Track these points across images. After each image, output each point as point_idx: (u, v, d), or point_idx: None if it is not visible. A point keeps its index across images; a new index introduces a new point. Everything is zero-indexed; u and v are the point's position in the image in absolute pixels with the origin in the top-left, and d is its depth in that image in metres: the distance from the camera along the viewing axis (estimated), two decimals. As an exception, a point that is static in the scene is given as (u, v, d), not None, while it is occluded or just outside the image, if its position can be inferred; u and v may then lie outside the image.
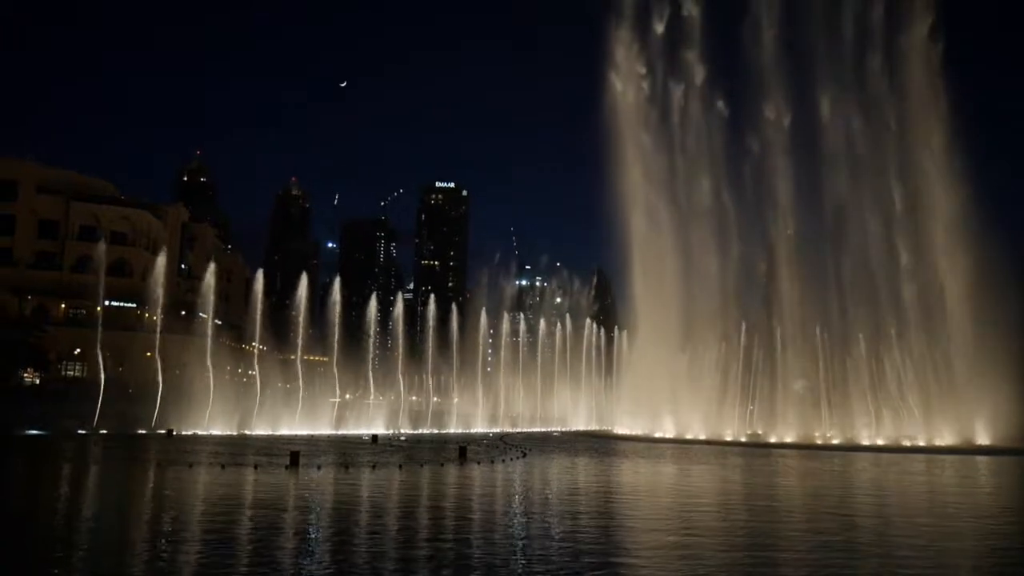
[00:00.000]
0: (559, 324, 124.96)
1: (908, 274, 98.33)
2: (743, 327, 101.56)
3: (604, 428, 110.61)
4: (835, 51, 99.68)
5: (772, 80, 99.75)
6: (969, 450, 79.68)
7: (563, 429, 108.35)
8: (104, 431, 64.18)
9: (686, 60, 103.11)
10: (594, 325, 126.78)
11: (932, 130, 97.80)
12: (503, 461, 49.82)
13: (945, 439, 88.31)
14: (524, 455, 55.36)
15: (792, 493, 39.99)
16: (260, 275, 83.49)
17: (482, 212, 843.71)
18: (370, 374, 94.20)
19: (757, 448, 77.68)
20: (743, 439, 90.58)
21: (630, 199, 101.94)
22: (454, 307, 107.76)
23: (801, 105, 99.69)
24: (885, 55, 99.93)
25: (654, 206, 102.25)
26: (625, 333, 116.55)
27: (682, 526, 26.68)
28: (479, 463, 47.92)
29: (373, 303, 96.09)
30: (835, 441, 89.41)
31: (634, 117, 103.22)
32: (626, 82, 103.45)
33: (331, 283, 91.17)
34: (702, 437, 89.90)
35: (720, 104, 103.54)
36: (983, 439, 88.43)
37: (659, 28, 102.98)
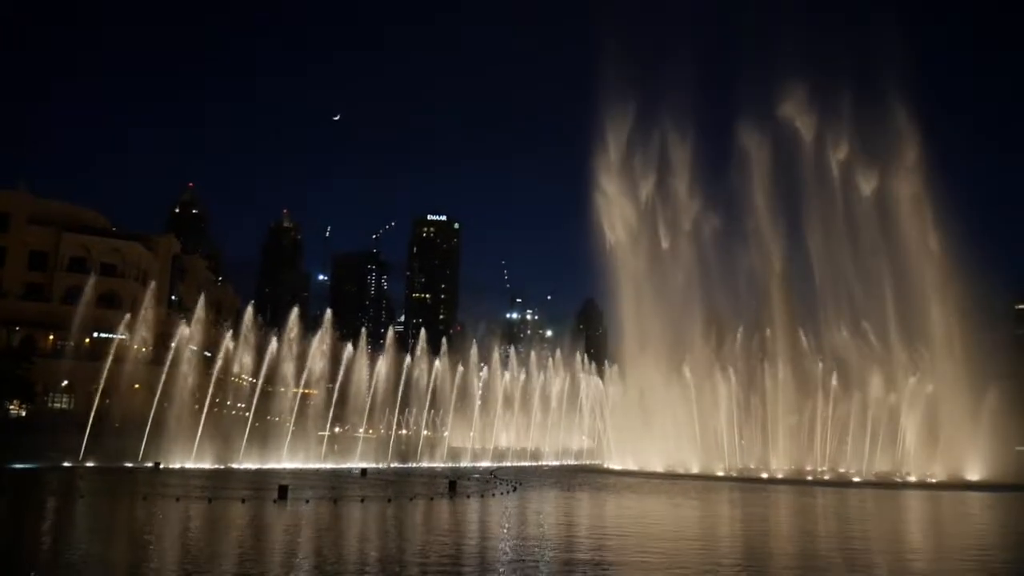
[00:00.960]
0: (550, 358, 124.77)
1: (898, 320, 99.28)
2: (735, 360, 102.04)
3: (595, 462, 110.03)
4: (823, 190, 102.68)
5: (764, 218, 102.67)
6: (960, 486, 79.59)
7: (554, 463, 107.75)
8: (91, 464, 63.51)
9: (676, 191, 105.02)
10: (584, 358, 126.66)
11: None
12: (493, 495, 49.50)
13: (937, 475, 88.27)
14: (514, 489, 55.04)
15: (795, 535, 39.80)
16: (250, 309, 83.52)
17: (473, 244, 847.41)
18: (359, 408, 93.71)
19: (748, 483, 77.35)
20: (734, 474, 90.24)
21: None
22: (444, 341, 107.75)
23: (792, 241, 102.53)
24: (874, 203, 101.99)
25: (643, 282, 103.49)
26: (615, 367, 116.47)
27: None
28: (468, 497, 47.60)
29: (363, 337, 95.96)
30: (826, 476, 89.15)
31: (626, 248, 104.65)
32: (615, 224, 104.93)
33: (322, 316, 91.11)
34: (694, 471, 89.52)
35: (712, 224, 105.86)
36: (973, 475, 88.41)
37: (645, 190, 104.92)
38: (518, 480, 65.02)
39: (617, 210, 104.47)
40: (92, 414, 69.06)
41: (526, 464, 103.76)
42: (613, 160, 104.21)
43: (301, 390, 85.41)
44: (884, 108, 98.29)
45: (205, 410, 73.85)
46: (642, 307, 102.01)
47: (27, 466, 59.48)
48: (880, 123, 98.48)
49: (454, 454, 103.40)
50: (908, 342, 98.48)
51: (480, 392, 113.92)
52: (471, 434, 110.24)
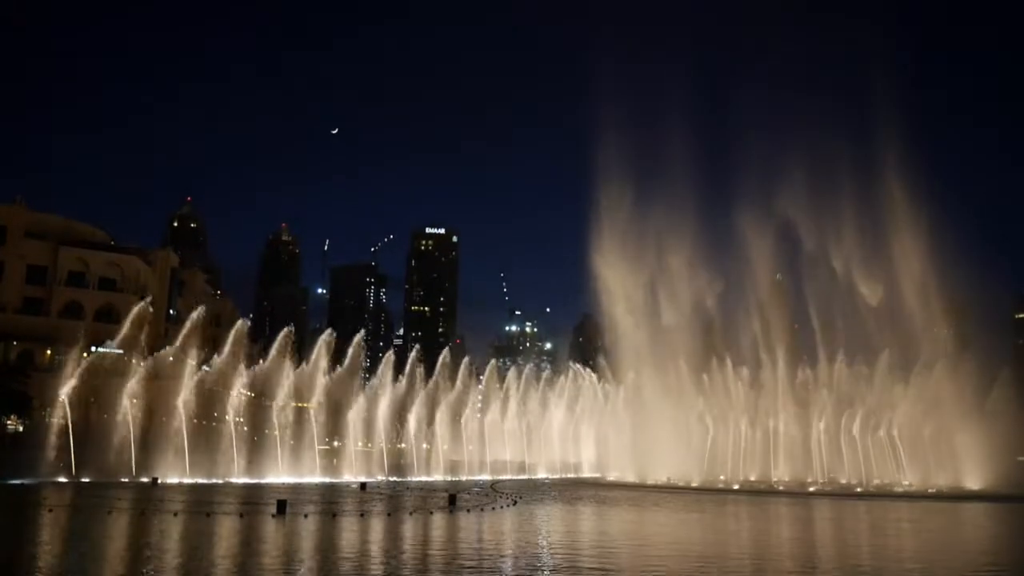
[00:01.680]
0: (548, 369, 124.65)
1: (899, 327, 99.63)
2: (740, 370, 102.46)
3: (595, 475, 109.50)
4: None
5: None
6: (959, 496, 79.28)
7: (553, 476, 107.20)
8: (87, 479, 63.12)
9: (675, 271, 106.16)
10: (586, 371, 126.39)
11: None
12: (493, 509, 49.19)
13: (936, 485, 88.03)
14: (515, 503, 54.72)
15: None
16: (243, 323, 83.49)
17: (472, 257, 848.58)
18: (356, 421, 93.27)
19: (750, 495, 76.99)
20: (736, 486, 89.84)
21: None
22: (443, 354, 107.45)
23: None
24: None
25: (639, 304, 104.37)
26: (615, 377, 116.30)
27: None
28: (469, 511, 47.31)
29: (359, 347, 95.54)
30: (828, 488, 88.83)
31: (627, 327, 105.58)
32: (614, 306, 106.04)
33: (320, 329, 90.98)
34: (695, 484, 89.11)
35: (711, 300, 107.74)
36: (973, 485, 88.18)
37: (644, 273, 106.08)
38: (518, 494, 64.66)
39: (618, 291, 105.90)
40: (67, 429, 68.63)
41: (525, 477, 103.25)
42: (610, 245, 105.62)
43: (299, 403, 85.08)
44: (886, 197, 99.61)
45: (202, 424, 73.51)
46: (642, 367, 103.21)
47: (22, 482, 59.11)
48: (880, 223, 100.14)
49: (453, 467, 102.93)
50: (905, 356, 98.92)
51: (479, 405, 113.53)
52: (469, 447, 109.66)
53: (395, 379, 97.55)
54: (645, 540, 37.96)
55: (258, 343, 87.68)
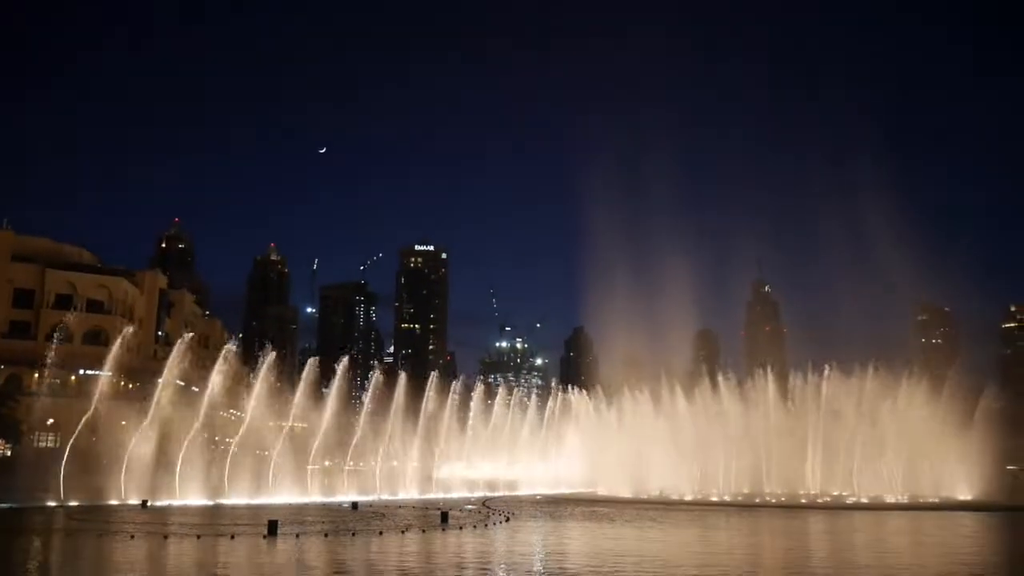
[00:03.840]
0: (538, 386, 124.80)
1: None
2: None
3: (588, 491, 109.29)
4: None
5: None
6: (951, 506, 79.54)
7: (545, 492, 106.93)
8: (76, 503, 62.52)
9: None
10: (573, 388, 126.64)
11: None
12: (485, 527, 49.03)
13: (927, 495, 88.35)
14: (507, 520, 54.54)
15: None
16: (232, 345, 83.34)
17: (462, 274, 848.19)
18: (346, 441, 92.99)
19: (745, 508, 76.94)
20: (727, 498, 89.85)
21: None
22: (433, 374, 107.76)
23: None
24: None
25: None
26: (605, 393, 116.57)
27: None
28: (462, 528, 47.14)
29: (346, 367, 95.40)
30: (820, 500, 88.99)
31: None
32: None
33: (310, 348, 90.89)
34: (687, 498, 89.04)
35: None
36: (964, 495, 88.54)
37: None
38: (511, 511, 64.43)
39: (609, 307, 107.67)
40: (63, 452, 68.14)
41: (518, 494, 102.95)
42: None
43: (289, 423, 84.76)
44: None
45: (191, 446, 73.03)
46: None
47: (9, 506, 58.44)
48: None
49: (444, 485, 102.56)
50: (894, 364, 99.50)
51: (470, 423, 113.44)
52: (461, 465, 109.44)
53: (387, 398, 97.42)
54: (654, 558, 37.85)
55: (247, 364, 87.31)
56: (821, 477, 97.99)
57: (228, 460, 78.55)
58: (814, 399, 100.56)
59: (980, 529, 56.11)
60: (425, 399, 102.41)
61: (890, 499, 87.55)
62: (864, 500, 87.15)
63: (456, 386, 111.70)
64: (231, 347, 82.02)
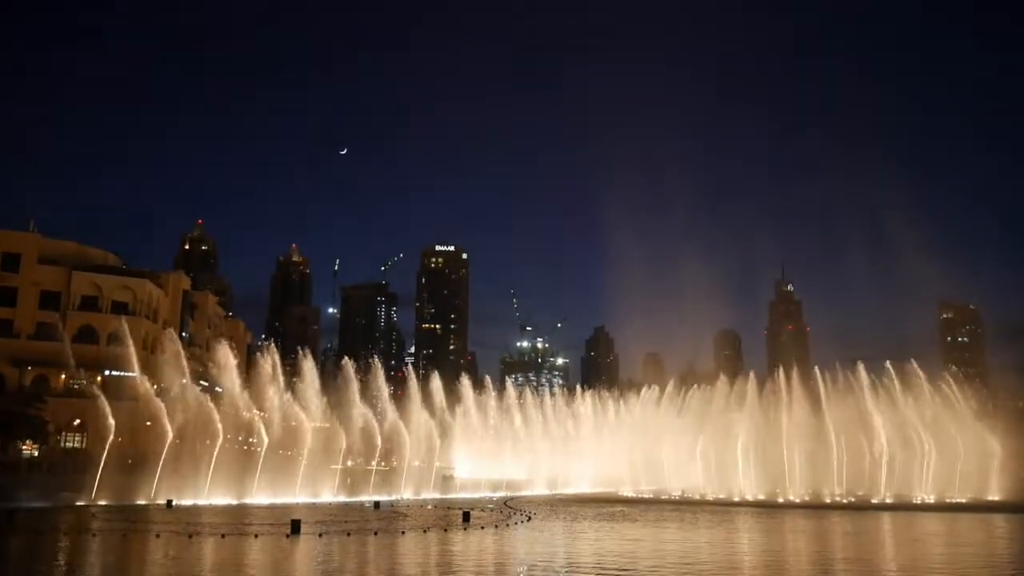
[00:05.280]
0: (560, 385, 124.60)
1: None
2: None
3: (609, 490, 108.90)
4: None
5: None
6: (980, 507, 78.47)
7: (567, 492, 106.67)
8: (103, 502, 63.22)
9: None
10: (594, 391, 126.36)
11: None
12: (507, 526, 48.99)
13: (956, 496, 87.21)
14: (528, 519, 54.47)
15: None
16: (262, 349, 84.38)
17: (482, 273, 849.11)
18: (370, 441, 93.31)
19: (770, 508, 76.26)
20: (749, 498, 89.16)
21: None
22: (462, 375, 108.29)
23: None
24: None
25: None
26: (628, 392, 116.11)
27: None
28: (483, 528, 47.14)
29: (376, 369, 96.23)
30: (844, 500, 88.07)
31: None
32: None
33: (332, 348, 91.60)
34: (709, 498, 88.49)
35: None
36: (994, 495, 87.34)
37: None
38: (532, 510, 64.34)
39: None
40: (103, 452, 68.83)
41: (539, 493, 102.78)
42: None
43: (313, 424, 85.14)
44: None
45: (217, 446, 73.59)
46: None
47: (38, 505, 59.17)
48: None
49: (466, 485, 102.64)
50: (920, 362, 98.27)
51: (492, 423, 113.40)
52: (483, 464, 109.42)
53: (408, 397, 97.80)
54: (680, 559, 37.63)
55: (272, 365, 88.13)
56: (847, 477, 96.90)
57: (252, 460, 79.10)
58: (840, 398, 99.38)
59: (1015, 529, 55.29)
60: (447, 401, 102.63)
61: (917, 499, 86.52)
62: (888, 500, 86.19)
63: (484, 383, 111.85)
64: (262, 350, 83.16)
